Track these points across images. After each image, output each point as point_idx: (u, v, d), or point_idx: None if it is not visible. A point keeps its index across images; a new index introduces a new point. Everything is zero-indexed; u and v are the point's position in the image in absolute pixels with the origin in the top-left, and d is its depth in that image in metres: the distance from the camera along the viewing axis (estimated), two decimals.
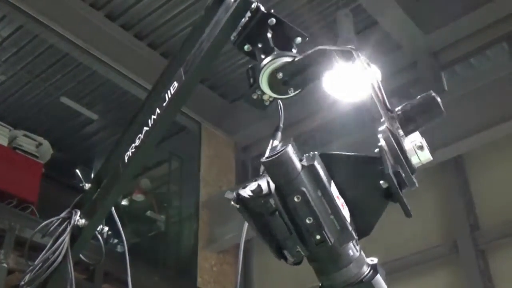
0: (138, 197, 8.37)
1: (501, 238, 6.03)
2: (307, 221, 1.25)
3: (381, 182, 1.32)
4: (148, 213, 8.24)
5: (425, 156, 1.43)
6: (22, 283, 2.02)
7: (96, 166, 8.78)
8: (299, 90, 1.59)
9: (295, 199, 1.26)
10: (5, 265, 5.51)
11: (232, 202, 1.35)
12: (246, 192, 1.32)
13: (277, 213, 1.28)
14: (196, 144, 8.20)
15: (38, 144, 7.02)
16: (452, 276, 6.20)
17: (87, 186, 2.12)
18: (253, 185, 1.33)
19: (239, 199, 1.33)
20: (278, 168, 1.29)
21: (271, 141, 1.60)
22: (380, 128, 1.39)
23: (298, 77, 1.56)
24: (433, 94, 1.41)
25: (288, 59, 1.55)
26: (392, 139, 1.38)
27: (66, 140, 8.58)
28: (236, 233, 7.56)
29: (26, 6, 6.63)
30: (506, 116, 5.90)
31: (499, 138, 6.11)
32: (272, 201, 1.29)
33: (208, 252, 7.58)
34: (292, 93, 1.59)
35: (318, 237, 1.26)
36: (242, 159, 8.61)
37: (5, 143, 6.79)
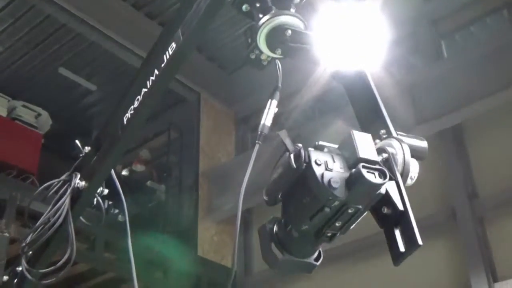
0: (138, 167, 8.40)
1: (499, 206, 6.06)
2: (337, 224, 1.35)
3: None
4: (148, 183, 8.27)
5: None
6: (24, 244, 2.05)
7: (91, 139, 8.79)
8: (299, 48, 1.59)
9: (349, 211, 1.33)
10: (6, 234, 5.56)
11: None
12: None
13: (328, 209, 1.32)
14: (195, 115, 8.20)
15: (37, 114, 7.03)
16: (449, 244, 6.24)
17: (87, 149, 2.14)
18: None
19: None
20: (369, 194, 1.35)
21: (269, 100, 1.61)
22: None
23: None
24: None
25: (287, 18, 1.55)
26: None
27: (64, 111, 8.57)
28: (235, 203, 7.61)
29: None
30: (505, 84, 5.89)
31: (498, 106, 6.10)
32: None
33: (208, 222, 7.64)
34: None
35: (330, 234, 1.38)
36: (241, 130, 8.62)
37: (4, 113, 6.80)
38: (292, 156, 1.32)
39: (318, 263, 1.44)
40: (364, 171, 1.29)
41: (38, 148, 6.79)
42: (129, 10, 7.26)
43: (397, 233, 1.40)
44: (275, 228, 1.41)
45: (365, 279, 6.12)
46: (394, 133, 1.54)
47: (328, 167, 1.30)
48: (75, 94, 8.67)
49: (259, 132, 1.57)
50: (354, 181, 1.30)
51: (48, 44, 7.82)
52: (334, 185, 1.28)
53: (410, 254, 1.40)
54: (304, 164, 1.30)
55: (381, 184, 1.31)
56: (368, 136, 1.37)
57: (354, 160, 1.32)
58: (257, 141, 1.58)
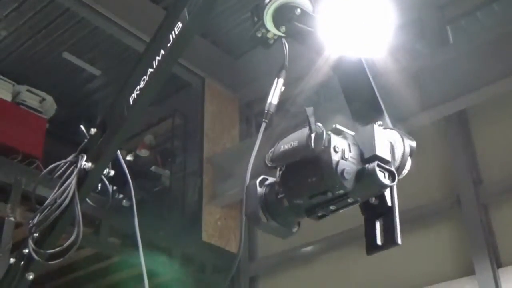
0: (143, 152, 8.40)
1: (503, 192, 6.04)
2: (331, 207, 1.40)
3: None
4: (153, 168, 8.28)
5: None
6: (30, 224, 2.05)
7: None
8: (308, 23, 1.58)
9: (349, 200, 1.38)
10: (12, 219, 5.58)
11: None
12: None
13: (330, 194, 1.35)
14: (200, 100, 8.18)
15: (41, 99, 7.02)
16: (454, 230, 6.24)
17: (93, 131, 2.13)
18: None
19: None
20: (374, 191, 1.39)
21: (275, 79, 1.61)
22: None
23: None
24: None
25: None
26: None
27: (69, 96, 8.57)
28: (239, 188, 7.62)
29: None
30: (511, 70, 5.86)
31: (503, 92, 6.07)
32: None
33: (212, 206, 7.65)
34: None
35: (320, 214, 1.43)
36: (245, 115, 8.60)
37: (8, 98, 6.79)
38: (313, 136, 1.31)
39: (295, 232, 1.47)
40: (377, 170, 1.29)
41: (43, 132, 6.79)
42: None
43: (378, 225, 1.43)
44: (264, 190, 1.42)
45: (369, 265, 6.12)
46: (390, 125, 1.54)
47: (344, 156, 1.31)
48: (79, 79, 8.65)
49: (265, 111, 1.57)
50: (365, 176, 1.32)
51: (52, 28, 7.80)
52: (346, 176, 1.30)
53: (386, 249, 1.42)
54: (322, 147, 1.30)
55: (389, 186, 1.33)
56: (385, 135, 1.39)
57: (370, 156, 1.33)
58: (263, 120, 1.58)
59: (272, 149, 1.40)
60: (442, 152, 6.59)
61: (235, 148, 7.99)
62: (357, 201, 1.36)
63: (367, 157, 1.33)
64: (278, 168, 1.40)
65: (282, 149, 1.37)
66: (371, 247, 1.42)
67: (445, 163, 6.52)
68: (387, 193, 1.42)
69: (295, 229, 1.47)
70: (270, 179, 1.46)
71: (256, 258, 7.66)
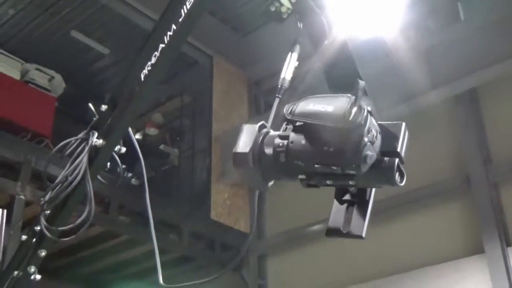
0: (152, 131, 8.40)
1: None
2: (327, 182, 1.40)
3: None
4: (162, 147, 8.28)
5: None
6: (42, 202, 2.05)
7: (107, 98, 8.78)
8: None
9: (350, 182, 1.38)
10: (22, 197, 5.60)
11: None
12: None
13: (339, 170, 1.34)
14: (208, 79, 8.15)
15: (50, 78, 7.01)
16: (463, 208, 6.23)
17: (104, 108, 2.12)
18: None
19: None
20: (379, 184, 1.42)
21: (289, 54, 1.58)
22: None
23: None
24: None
25: None
26: None
27: (77, 74, 8.54)
28: None
29: None
30: None
31: None
32: None
33: (221, 185, 7.66)
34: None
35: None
36: (254, 93, 8.56)
37: (17, 77, 6.78)
38: (353, 110, 1.28)
39: (268, 188, 1.47)
40: (395, 167, 1.31)
41: (52, 111, 6.79)
42: None
43: (344, 212, 1.42)
44: (261, 137, 1.38)
45: (380, 242, 6.13)
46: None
47: (372, 140, 1.29)
48: (87, 57, 8.62)
49: (279, 86, 1.55)
50: (381, 168, 1.31)
51: (60, 6, 7.74)
52: (368, 160, 1.28)
53: (347, 238, 1.42)
54: (358, 124, 1.27)
55: (398, 185, 1.33)
56: (408, 137, 1.37)
57: (391, 151, 1.32)
58: (277, 95, 1.56)
59: (296, 103, 1.36)
60: (451, 131, 6.55)
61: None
62: (355, 185, 1.34)
63: (386, 150, 1.32)
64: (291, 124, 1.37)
65: (311, 107, 1.33)
66: (333, 231, 1.41)
67: (454, 141, 6.49)
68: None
69: (269, 186, 1.46)
70: (268, 129, 1.44)
71: (264, 237, 7.68)
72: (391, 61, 6.37)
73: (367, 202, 1.42)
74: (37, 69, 6.94)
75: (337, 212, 1.43)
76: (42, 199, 2.06)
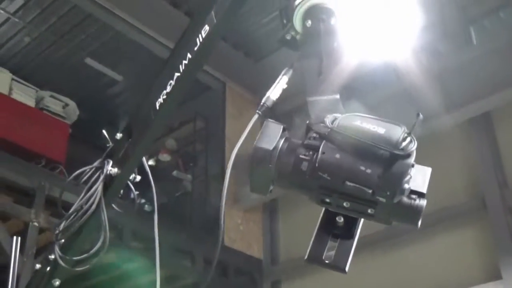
0: (164, 157, 8.41)
1: None
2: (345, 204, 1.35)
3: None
4: (175, 173, 8.29)
5: None
6: (57, 231, 2.05)
7: (122, 126, 8.82)
8: (335, 22, 1.55)
9: (369, 211, 1.35)
10: (36, 224, 5.61)
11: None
12: None
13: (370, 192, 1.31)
14: (221, 104, 8.17)
15: (64, 105, 7.08)
16: (480, 233, 6.16)
17: (119, 136, 2.12)
18: None
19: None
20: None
21: (281, 75, 1.59)
22: None
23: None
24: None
25: None
26: None
27: (91, 101, 8.61)
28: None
29: None
30: None
31: None
32: None
33: (234, 210, 7.63)
34: (335, 22, 1.55)
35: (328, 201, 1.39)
36: (267, 118, 8.56)
37: (32, 104, 6.85)
38: (407, 139, 1.27)
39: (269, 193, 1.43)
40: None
41: (66, 137, 6.84)
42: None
43: (329, 243, 1.39)
44: (282, 140, 1.36)
45: (395, 267, 6.07)
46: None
47: (411, 175, 1.30)
48: (101, 84, 8.70)
49: (262, 103, 1.55)
50: (408, 206, 1.30)
51: (74, 34, 7.85)
52: (403, 193, 1.27)
53: (328, 269, 1.37)
54: (407, 154, 1.27)
55: (415, 227, 1.32)
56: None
57: (419, 192, 1.31)
58: (257, 111, 1.56)
59: (337, 116, 1.34)
60: (466, 154, 6.51)
61: None
62: (372, 216, 1.31)
63: (414, 189, 1.30)
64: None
65: (358, 124, 1.30)
66: (314, 258, 1.38)
67: (470, 165, 6.44)
68: (358, 221, 1.40)
69: (269, 191, 1.43)
70: (286, 134, 1.40)
71: (278, 262, 7.62)
72: (404, 85, 6.37)
73: (353, 237, 1.40)
74: (51, 96, 7.01)
75: (319, 239, 1.40)
76: (56, 228, 2.05)
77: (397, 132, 1.29)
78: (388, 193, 1.25)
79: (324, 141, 1.33)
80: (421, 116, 1.29)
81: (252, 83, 8.35)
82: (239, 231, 7.60)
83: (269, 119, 1.39)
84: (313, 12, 1.51)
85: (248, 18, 7.48)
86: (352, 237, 1.39)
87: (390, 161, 1.26)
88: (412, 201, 1.30)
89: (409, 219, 1.31)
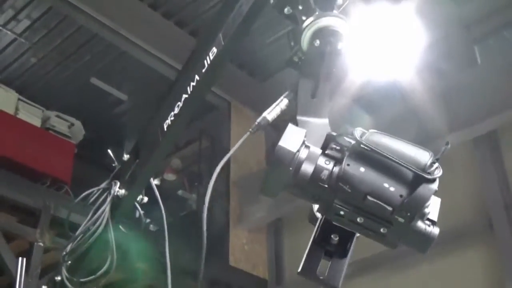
0: (169, 176, 8.41)
1: None
2: (359, 219, 1.35)
3: None
4: (180, 192, 8.28)
5: None
6: (64, 253, 2.04)
7: (127, 146, 8.83)
8: (343, 48, 1.56)
9: (381, 230, 1.35)
10: (41, 244, 5.59)
11: None
12: None
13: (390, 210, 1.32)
14: (226, 123, 8.19)
15: (70, 124, 7.09)
16: (486, 253, 6.11)
17: (126, 157, 2.13)
18: None
19: None
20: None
21: (281, 97, 1.59)
22: None
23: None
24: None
25: (331, 19, 1.52)
26: None
27: (96, 120, 8.64)
28: (266, 212, 7.58)
29: None
30: None
31: None
32: None
33: (239, 230, 7.61)
34: (342, 48, 1.56)
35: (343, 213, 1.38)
36: (272, 138, 8.58)
37: (38, 124, 6.87)
38: (435, 165, 1.28)
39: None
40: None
41: (71, 157, 6.84)
42: (159, 19, 7.30)
43: (323, 258, 1.39)
44: (305, 150, 1.34)
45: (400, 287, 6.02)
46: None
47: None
48: (106, 103, 8.74)
49: (256, 122, 1.56)
50: (422, 232, 1.31)
51: (80, 54, 7.91)
52: (423, 217, 1.29)
53: (320, 284, 1.36)
54: (431, 180, 1.27)
55: (425, 253, 1.35)
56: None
57: (432, 219, 1.34)
58: (250, 130, 1.57)
59: (362, 131, 1.33)
60: (471, 174, 6.48)
61: (262, 171, 7.96)
62: (383, 236, 1.31)
63: (428, 216, 1.32)
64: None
65: (387, 141, 1.30)
66: (307, 272, 1.37)
67: (475, 185, 6.41)
68: (349, 245, 1.40)
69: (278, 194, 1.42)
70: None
71: (283, 282, 7.57)
72: (408, 104, 6.37)
73: (346, 255, 1.39)
74: (57, 116, 7.03)
75: (312, 254, 1.39)
76: (64, 250, 2.05)
77: (426, 156, 1.29)
78: (408, 214, 1.25)
79: (348, 153, 1.32)
80: (449, 145, 1.31)
81: (257, 102, 8.37)
82: (244, 251, 7.56)
83: (291, 124, 1.38)
84: (321, 34, 1.52)
85: (253, 37, 7.52)
86: (345, 256, 1.39)
87: (416, 183, 1.26)
88: (427, 227, 1.31)
89: (420, 244, 1.31)
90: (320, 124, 1.50)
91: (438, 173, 1.28)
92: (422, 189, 1.26)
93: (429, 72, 7.04)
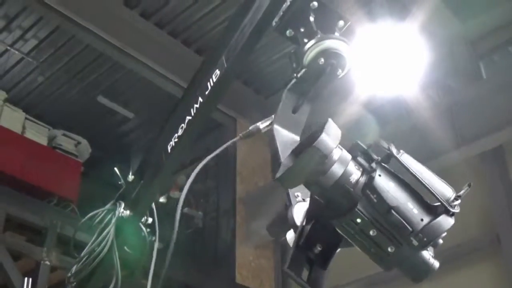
0: (176, 194, 8.40)
1: None
2: (371, 232, 1.34)
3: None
4: (186, 210, 8.27)
5: None
6: (69, 274, 2.05)
7: (133, 164, 8.85)
8: (344, 72, 1.57)
9: (389, 249, 1.35)
10: (47, 262, 5.59)
11: None
12: None
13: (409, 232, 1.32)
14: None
15: (76, 143, 7.13)
16: (494, 268, 6.07)
17: (131, 178, 2.14)
18: None
19: None
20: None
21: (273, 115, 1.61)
22: None
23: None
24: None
25: (333, 42, 1.53)
26: None
27: (102, 138, 8.67)
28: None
29: (62, 7, 6.72)
30: None
31: None
32: None
33: (245, 247, 7.59)
34: (340, 73, 1.57)
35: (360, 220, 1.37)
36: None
37: (45, 142, 6.91)
38: (457, 202, 1.31)
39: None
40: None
41: (78, 176, 6.88)
42: (165, 37, 7.35)
43: (306, 264, 1.39)
44: (338, 151, 1.33)
45: None
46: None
47: None
48: (113, 121, 8.77)
49: (248, 129, 1.59)
50: (426, 262, 1.32)
51: (86, 73, 7.96)
52: (434, 246, 1.32)
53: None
54: (452, 213, 1.30)
55: (420, 282, 1.34)
56: None
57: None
58: (240, 135, 1.59)
59: (402, 152, 1.34)
60: (478, 189, 6.44)
61: (268, 187, 7.95)
62: (387, 255, 1.30)
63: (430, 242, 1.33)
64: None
65: (421, 166, 1.34)
66: (294, 268, 1.35)
67: (482, 200, 6.38)
68: (330, 256, 1.41)
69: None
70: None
71: None
72: (414, 120, 6.37)
73: (325, 268, 1.40)
74: (63, 134, 7.07)
75: (297, 257, 1.39)
76: (69, 272, 2.06)
77: (449, 191, 1.33)
78: (425, 239, 1.27)
79: (380, 165, 1.33)
80: (471, 186, 1.34)
81: (262, 119, 8.38)
82: (251, 268, 7.54)
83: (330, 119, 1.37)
84: (324, 55, 1.53)
85: (258, 55, 7.56)
86: (325, 268, 1.39)
87: (439, 212, 1.29)
88: (431, 257, 1.32)
89: (418, 273, 1.32)
90: (291, 139, 1.53)
91: (458, 209, 1.31)
92: (442, 219, 1.29)
93: (435, 88, 7.06)
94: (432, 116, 6.27)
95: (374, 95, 6.21)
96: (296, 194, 1.53)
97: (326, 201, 1.36)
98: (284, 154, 1.42)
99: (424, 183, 1.30)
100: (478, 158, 6.39)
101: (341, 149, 1.35)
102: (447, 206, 1.29)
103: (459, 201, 1.31)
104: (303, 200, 1.52)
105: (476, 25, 6.90)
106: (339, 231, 1.34)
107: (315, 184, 1.33)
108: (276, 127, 1.53)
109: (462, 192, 1.33)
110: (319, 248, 1.38)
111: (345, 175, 1.32)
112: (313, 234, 1.39)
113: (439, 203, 1.29)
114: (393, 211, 1.27)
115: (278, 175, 1.35)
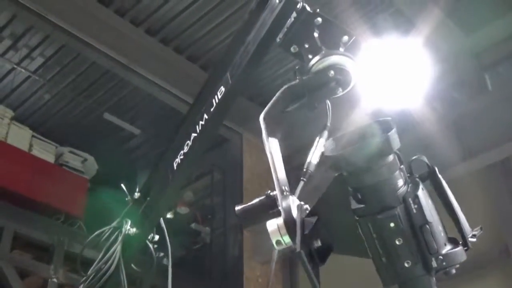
0: (182, 209, 8.41)
1: None
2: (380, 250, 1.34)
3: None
4: (193, 225, 8.27)
5: None
6: None
7: (140, 180, 8.86)
8: (348, 89, 1.57)
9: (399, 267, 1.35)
10: (55, 280, 5.60)
11: None
12: None
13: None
14: (238, 155, 8.21)
15: (83, 160, 7.16)
16: (504, 281, 6.03)
17: (137, 195, 2.14)
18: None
19: None
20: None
21: (317, 138, 1.59)
22: None
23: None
24: None
25: (338, 57, 1.54)
26: None
27: (109, 154, 8.69)
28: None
29: (68, 25, 6.77)
30: None
31: None
32: None
33: (253, 262, 7.56)
34: (340, 92, 1.57)
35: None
36: (284, 168, 8.56)
37: (52, 160, 6.94)
38: (472, 240, 1.35)
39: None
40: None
41: (85, 192, 6.90)
42: (171, 54, 7.38)
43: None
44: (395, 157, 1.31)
45: None
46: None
47: None
48: (119, 138, 8.80)
49: (304, 169, 1.56)
50: (422, 280, 1.32)
51: (93, 90, 8.00)
52: (448, 274, 1.32)
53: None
54: (469, 248, 1.34)
55: None
56: None
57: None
58: (302, 178, 1.56)
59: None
60: (486, 202, 6.42)
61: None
62: (400, 269, 1.29)
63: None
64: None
65: (454, 198, 1.37)
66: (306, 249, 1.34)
67: (490, 212, 6.35)
68: (327, 254, 1.40)
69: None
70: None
71: None
72: (419, 133, 6.36)
73: (323, 263, 1.38)
74: (70, 151, 7.10)
75: (304, 243, 1.37)
76: None
77: (468, 226, 1.37)
78: (444, 263, 1.28)
79: (423, 181, 1.34)
80: (482, 230, 1.36)
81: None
82: (258, 284, 7.51)
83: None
84: (330, 70, 1.54)
85: (264, 69, 7.58)
86: (322, 264, 1.38)
87: (455, 243, 1.33)
88: (435, 284, 1.33)
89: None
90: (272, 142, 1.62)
91: (469, 245, 1.34)
92: (460, 251, 1.31)
93: (440, 101, 7.04)
94: (438, 128, 6.25)
95: (379, 108, 6.19)
96: (283, 187, 1.53)
97: (361, 196, 1.31)
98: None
99: (457, 212, 1.33)
100: (484, 170, 6.37)
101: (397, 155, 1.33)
102: (468, 240, 1.33)
103: (474, 239, 1.34)
104: (290, 194, 1.53)
105: (481, 37, 6.90)
106: (360, 229, 1.30)
107: (361, 176, 1.29)
108: (261, 119, 1.55)
109: (477, 232, 1.36)
110: (319, 243, 1.37)
111: (392, 179, 1.29)
112: (315, 228, 1.38)
113: (461, 235, 1.33)
114: (427, 226, 1.26)
115: (339, 152, 1.30)
